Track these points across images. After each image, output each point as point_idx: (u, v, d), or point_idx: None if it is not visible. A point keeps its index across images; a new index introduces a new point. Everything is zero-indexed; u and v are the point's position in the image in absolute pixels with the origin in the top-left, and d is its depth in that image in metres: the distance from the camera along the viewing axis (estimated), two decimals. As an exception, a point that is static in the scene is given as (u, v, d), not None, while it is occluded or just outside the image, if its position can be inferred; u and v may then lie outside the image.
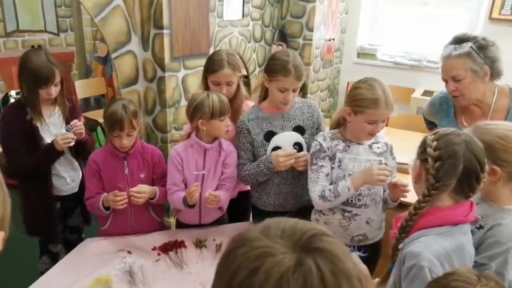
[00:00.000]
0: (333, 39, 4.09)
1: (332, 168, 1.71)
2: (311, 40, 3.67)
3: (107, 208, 1.84)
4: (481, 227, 1.25)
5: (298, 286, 0.51)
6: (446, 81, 1.80)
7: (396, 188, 1.65)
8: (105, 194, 1.82)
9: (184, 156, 1.85)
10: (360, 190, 1.68)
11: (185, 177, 1.86)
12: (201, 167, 1.86)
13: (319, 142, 1.73)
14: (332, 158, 1.72)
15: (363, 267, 1.22)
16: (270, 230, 0.58)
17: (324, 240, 0.57)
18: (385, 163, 1.71)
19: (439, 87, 4.29)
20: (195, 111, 1.78)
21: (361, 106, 1.60)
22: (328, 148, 1.72)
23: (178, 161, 1.84)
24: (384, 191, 1.76)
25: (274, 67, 1.77)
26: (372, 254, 1.34)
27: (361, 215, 1.71)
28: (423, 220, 1.17)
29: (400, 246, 1.18)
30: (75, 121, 1.97)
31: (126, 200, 1.78)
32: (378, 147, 1.73)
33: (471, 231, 1.20)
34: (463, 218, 1.14)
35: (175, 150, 1.87)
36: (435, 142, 1.15)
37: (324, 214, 1.76)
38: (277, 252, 0.54)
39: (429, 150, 1.15)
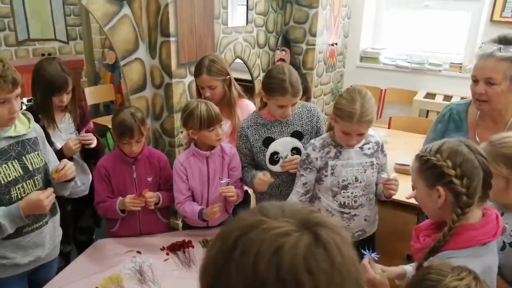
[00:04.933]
0: (336, 44, 4.13)
1: (325, 176, 1.74)
2: (314, 45, 3.70)
3: (123, 211, 1.90)
4: None
5: (324, 257, 0.54)
6: (476, 81, 1.60)
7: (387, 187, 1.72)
8: (121, 198, 1.88)
9: (187, 165, 1.90)
10: (355, 192, 1.73)
11: (191, 186, 1.92)
12: (205, 174, 1.90)
13: (307, 153, 1.76)
14: (323, 167, 1.73)
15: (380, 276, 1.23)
16: (269, 212, 0.58)
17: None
18: (377, 163, 1.76)
19: (441, 89, 4.31)
20: (185, 121, 1.85)
21: (338, 116, 1.62)
22: (316, 158, 1.73)
23: (182, 171, 1.89)
24: (376, 185, 1.80)
25: (271, 86, 1.79)
26: (368, 246, 1.40)
27: (359, 214, 1.77)
28: (451, 240, 1.10)
29: (425, 264, 1.12)
30: (84, 134, 2.04)
31: (144, 203, 1.86)
32: (369, 148, 1.75)
33: (504, 244, 1.21)
34: (492, 237, 1.10)
35: (178, 160, 1.92)
36: (448, 161, 1.07)
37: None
38: (290, 231, 0.55)
39: (449, 171, 1.06)
